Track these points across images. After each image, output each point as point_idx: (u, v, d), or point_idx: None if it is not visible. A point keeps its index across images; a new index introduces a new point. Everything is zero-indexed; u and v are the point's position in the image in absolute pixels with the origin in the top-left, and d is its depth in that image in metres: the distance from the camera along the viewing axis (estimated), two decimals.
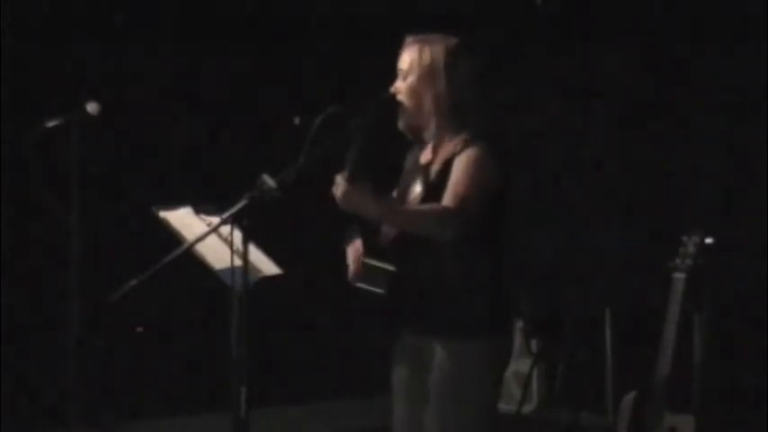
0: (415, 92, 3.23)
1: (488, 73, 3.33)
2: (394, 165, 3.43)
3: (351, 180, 3.02)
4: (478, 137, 3.17)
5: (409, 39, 3.29)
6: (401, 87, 3.26)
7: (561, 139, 6.00)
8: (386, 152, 3.39)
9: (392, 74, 3.30)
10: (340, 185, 3.04)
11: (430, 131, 3.28)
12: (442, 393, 3.18)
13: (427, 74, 3.22)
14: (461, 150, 3.16)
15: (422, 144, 3.35)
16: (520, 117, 5.95)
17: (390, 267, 3.17)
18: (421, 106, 3.24)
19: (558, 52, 5.92)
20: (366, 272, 3.20)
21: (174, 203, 3.22)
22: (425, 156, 3.32)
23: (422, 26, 3.33)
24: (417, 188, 3.27)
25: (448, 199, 3.10)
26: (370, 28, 6.12)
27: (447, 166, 3.18)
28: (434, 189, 3.18)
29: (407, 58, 3.26)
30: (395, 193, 3.39)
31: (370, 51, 4.28)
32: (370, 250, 3.21)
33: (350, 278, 3.26)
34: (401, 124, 3.30)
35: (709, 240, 4.25)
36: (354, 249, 3.27)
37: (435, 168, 3.23)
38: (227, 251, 3.07)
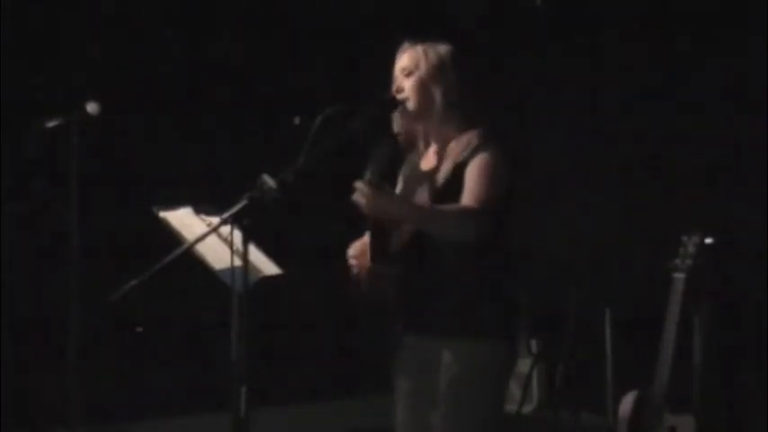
0: (422, 89, 3.20)
1: (491, 73, 3.32)
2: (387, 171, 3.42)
3: (374, 184, 3.02)
4: (489, 139, 3.15)
5: (406, 43, 3.27)
6: (406, 86, 3.22)
7: (561, 139, 5.99)
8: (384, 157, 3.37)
9: (392, 74, 3.29)
10: (364, 190, 3.03)
11: (434, 133, 3.25)
12: (449, 395, 3.17)
13: (435, 71, 3.20)
14: (473, 155, 3.13)
15: (416, 150, 3.32)
16: (520, 116, 5.95)
17: (397, 273, 3.16)
18: (427, 105, 3.21)
19: (557, 51, 5.91)
20: (373, 278, 3.20)
21: (174, 203, 3.22)
22: (428, 160, 3.29)
23: (422, 26, 3.32)
24: (423, 194, 3.23)
25: (468, 201, 3.08)
26: (369, 28, 6.11)
27: (457, 171, 3.15)
28: (442, 194, 3.15)
29: (411, 58, 3.23)
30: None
31: (370, 51, 4.28)
32: (377, 255, 3.21)
33: (354, 286, 3.25)
34: (399, 126, 3.28)
35: (709, 240, 4.25)
36: (360, 254, 3.25)
37: (443, 173, 3.19)
38: (227, 251, 3.07)
